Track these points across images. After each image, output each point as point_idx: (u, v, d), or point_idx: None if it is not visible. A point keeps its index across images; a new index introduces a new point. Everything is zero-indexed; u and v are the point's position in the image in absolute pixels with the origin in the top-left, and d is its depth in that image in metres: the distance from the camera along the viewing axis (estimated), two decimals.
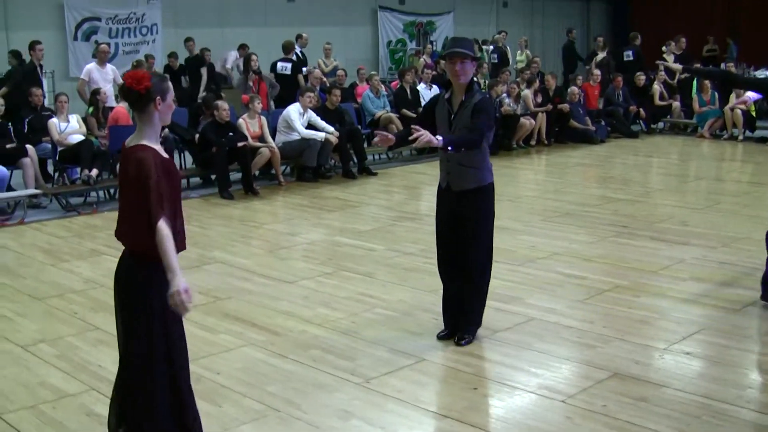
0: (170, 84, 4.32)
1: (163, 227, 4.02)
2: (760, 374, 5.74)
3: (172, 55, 17.45)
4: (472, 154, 5.91)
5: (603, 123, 18.03)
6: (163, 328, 4.36)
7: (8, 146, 11.89)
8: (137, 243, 4.29)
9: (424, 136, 5.50)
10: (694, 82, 18.69)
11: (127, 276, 4.43)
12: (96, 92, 13.45)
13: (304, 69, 16.66)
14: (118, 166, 5.36)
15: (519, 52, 21.11)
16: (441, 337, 6.26)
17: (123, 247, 4.42)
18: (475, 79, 6.32)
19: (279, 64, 16.54)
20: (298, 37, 17.38)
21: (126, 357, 4.47)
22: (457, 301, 6.22)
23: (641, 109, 18.72)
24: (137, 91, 4.12)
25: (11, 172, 11.70)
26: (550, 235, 9.50)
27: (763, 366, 5.88)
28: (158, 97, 4.17)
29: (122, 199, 4.42)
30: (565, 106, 17.33)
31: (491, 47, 20.62)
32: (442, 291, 6.38)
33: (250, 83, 15.57)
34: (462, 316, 6.22)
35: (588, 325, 6.57)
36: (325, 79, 16.14)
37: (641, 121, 19.16)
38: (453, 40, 5.98)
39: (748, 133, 17.57)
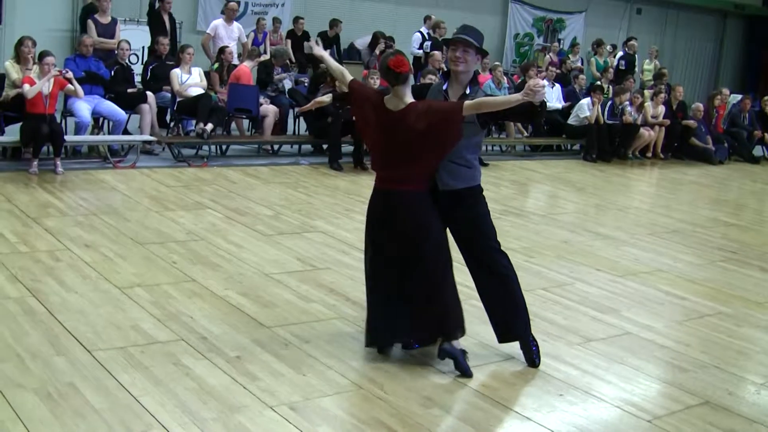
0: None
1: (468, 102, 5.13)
2: None
3: (298, 20, 17.50)
4: (469, 150, 5.48)
5: (725, 144, 17.58)
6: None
7: (129, 90, 12.12)
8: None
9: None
10: None
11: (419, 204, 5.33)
12: (223, 50, 13.60)
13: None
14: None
15: (647, 61, 20.68)
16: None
17: None
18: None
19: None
20: (427, 18, 17.31)
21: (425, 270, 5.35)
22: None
23: (766, 135, 18.20)
24: (403, 71, 5.24)
25: (129, 117, 11.92)
26: (656, 251, 9.28)
27: None
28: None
29: (405, 152, 5.28)
30: (692, 123, 16.94)
31: (621, 53, 20.22)
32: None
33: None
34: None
35: (684, 347, 6.39)
36: (444, 66, 16.05)
37: (765, 147, 18.63)
38: (462, 27, 5.57)
39: None
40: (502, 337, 5.77)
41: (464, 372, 5.40)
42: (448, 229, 5.58)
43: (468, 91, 5.45)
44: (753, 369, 6.18)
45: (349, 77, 5.63)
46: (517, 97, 5.05)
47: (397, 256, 5.39)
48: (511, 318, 5.72)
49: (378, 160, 5.58)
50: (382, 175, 5.46)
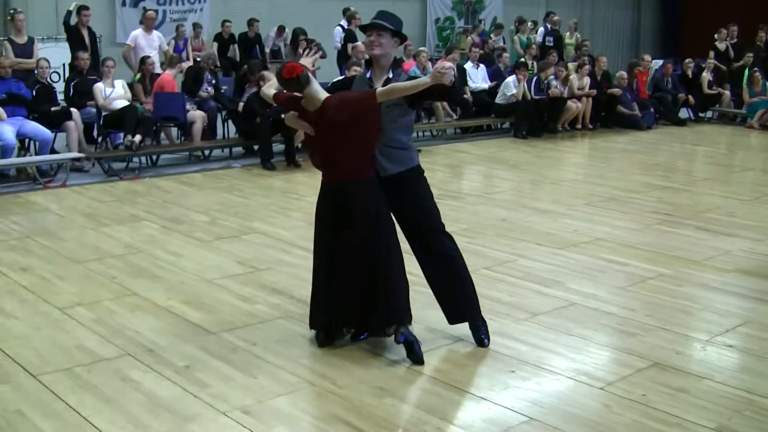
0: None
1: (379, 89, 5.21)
2: None
3: (224, 23, 17.37)
4: (402, 132, 5.53)
5: (651, 109, 17.81)
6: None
7: (53, 109, 11.94)
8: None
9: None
10: (746, 72, 18.42)
11: (366, 195, 5.37)
12: (144, 60, 13.46)
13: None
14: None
15: (568, 34, 20.86)
16: None
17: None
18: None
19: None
20: (345, 10, 17.29)
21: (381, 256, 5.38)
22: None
23: (690, 97, 18.48)
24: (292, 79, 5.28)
25: (55, 135, 11.75)
26: (593, 220, 9.38)
27: None
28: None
29: (338, 146, 5.35)
30: (617, 91, 17.14)
31: (542, 28, 20.38)
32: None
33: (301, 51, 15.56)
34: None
35: (629, 312, 6.47)
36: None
37: (689, 109, 18.92)
38: (377, 13, 5.56)
39: None
40: (452, 318, 5.79)
41: (418, 359, 5.40)
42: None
43: (391, 75, 5.49)
44: (697, 327, 6.28)
45: (272, 92, 5.69)
46: (425, 80, 5.11)
47: (353, 244, 5.41)
48: (459, 299, 5.75)
49: (318, 159, 5.61)
50: (327, 172, 5.49)
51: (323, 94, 5.35)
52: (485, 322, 5.83)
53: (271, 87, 5.73)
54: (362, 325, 5.63)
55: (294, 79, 5.26)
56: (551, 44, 19.60)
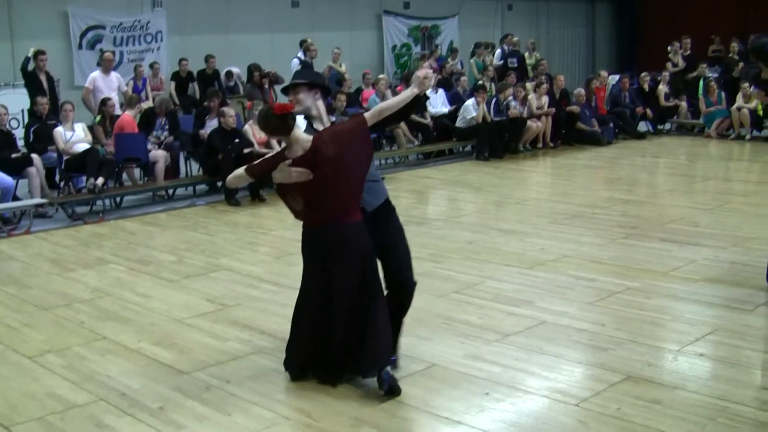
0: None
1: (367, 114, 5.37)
2: None
3: (181, 61, 17.39)
4: (373, 165, 5.58)
5: (611, 125, 17.97)
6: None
7: (14, 156, 11.87)
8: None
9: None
10: (701, 83, 18.65)
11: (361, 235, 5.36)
12: (105, 101, 13.42)
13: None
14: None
15: (527, 54, 21.02)
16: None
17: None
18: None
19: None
20: (302, 42, 17.36)
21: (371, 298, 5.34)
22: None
23: (648, 110, 18.69)
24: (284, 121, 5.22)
25: (17, 182, 11.67)
26: (559, 238, 9.44)
27: None
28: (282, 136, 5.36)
29: (330, 185, 5.27)
30: (575, 108, 17.30)
31: (499, 50, 20.56)
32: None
33: (258, 90, 15.66)
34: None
35: (600, 327, 6.51)
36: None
37: (648, 122, 19.12)
38: (294, 74, 5.77)
39: (755, 133, 17.54)
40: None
41: (396, 392, 5.36)
42: None
43: (335, 119, 5.64)
44: (667, 337, 6.33)
45: (242, 169, 5.52)
46: (413, 91, 5.25)
47: (344, 287, 5.36)
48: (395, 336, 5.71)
49: (312, 205, 5.40)
50: (320, 216, 5.38)
51: (307, 135, 5.30)
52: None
53: (235, 172, 5.55)
54: (345, 368, 5.54)
55: (288, 114, 5.19)
56: (514, 65, 19.76)
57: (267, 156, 5.50)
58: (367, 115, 5.28)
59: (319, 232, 5.41)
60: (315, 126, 5.49)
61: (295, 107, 5.41)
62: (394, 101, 5.33)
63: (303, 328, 5.58)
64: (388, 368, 5.40)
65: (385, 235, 5.57)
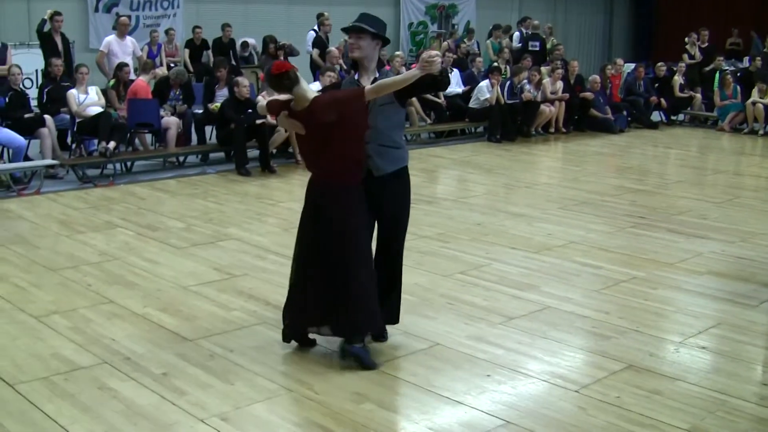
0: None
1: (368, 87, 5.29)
2: None
3: (195, 29, 17.40)
4: (396, 131, 5.62)
5: (624, 113, 17.94)
6: None
7: (26, 116, 11.89)
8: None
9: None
10: (717, 75, 18.59)
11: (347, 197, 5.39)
12: (121, 66, 13.40)
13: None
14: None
15: (544, 38, 20.95)
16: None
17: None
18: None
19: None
20: (319, 15, 17.32)
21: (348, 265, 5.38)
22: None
23: (662, 100, 18.64)
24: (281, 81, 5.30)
25: (29, 142, 11.70)
26: (567, 224, 9.44)
27: None
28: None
29: (323, 146, 5.37)
30: (589, 95, 17.26)
31: (517, 33, 20.51)
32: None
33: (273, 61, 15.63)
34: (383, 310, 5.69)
35: (603, 315, 6.53)
36: (342, 61, 16.05)
37: (662, 112, 19.07)
38: (359, 15, 5.60)
39: None
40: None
41: (370, 367, 5.43)
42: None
43: (377, 75, 5.53)
44: (670, 329, 6.34)
45: (263, 103, 5.79)
46: (414, 73, 5.17)
47: (324, 246, 5.43)
48: (389, 305, 5.80)
49: (306, 159, 5.73)
50: (315, 171, 5.53)
51: (312, 94, 5.38)
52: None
53: (261, 102, 5.79)
54: (324, 325, 5.60)
55: (283, 74, 5.28)
56: (536, 48, 19.72)
57: (280, 98, 5.57)
58: (367, 88, 5.29)
59: (312, 184, 5.56)
60: (362, 76, 5.56)
61: (354, 52, 5.51)
62: (396, 79, 5.30)
63: (292, 277, 5.69)
64: (361, 344, 5.49)
65: (386, 203, 5.61)
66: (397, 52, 17.08)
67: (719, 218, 9.86)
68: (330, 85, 5.93)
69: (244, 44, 17.92)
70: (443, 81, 5.36)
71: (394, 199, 5.64)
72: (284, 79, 5.29)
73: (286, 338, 5.76)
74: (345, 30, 5.68)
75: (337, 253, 5.40)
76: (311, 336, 5.78)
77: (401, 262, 5.85)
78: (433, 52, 5.14)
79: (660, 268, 7.81)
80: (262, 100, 5.77)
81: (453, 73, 16.60)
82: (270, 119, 12.37)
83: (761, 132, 17.27)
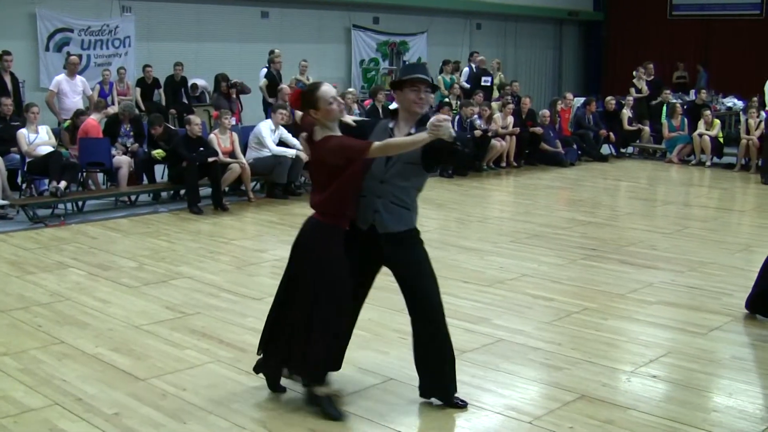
0: (321, 92, 5.17)
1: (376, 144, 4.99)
2: (724, 398, 5.75)
3: (146, 68, 17.41)
4: (410, 192, 5.33)
5: (574, 146, 18.15)
6: None
7: None
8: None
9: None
10: (664, 108, 18.88)
11: (321, 235, 5.30)
12: (79, 113, 13.30)
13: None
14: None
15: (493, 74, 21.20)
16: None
17: None
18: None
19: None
20: (271, 52, 17.39)
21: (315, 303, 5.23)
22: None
23: (611, 134, 18.89)
24: (297, 108, 5.23)
25: None
26: (519, 257, 9.51)
27: (728, 390, 5.90)
28: (311, 110, 5.16)
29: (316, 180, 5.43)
30: (539, 129, 17.45)
31: (467, 68, 20.72)
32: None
33: (225, 99, 15.75)
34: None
35: (556, 347, 6.58)
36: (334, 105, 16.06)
37: (611, 146, 19.33)
38: (412, 66, 5.33)
39: (715, 159, 17.76)
40: (424, 392, 5.53)
41: (333, 417, 5.26)
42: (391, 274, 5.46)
43: (413, 131, 5.19)
44: (622, 358, 6.40)
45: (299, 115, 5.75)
46: (423, 136, 4.86)
47: (293, 277, 5.36)
48: (437, 374, 5.51)
49: (312, 185, 5.67)
50: (310, 201, 5.41)
51: (333, 131, 5.20)
52: (462, 401, 5.52)
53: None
54: (284, 361, 5.48)
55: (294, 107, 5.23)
56: (488, 84, 19.95)
57: (308, 117, 5.32)
58: (375, 144, 4.99)
59: (303, 224, 5.47)
60: (398, 126, 5.29)
61: (423, 107, 5.24)
62: (405, 141, 5.00)
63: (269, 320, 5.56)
64: (325, 389, 5.33)
65: (400, 267, 5.39)
66: (350, 89, 17.18)
67: (669, 248, 9.99)
68: (358, 123, 5.53)
69: (194, 86, 17.94)
70: (461, 152, 5.03)
71: (402, 259, 5.38)
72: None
73: (257, 370, 5.68)
74: (403, 82, 5.21)
75: (304, 292, 5.25)
76: (282, 380, 5.64)
77: (440, 332, 5.49)
78: (441, 116, 4.84)
79: (611, 299, 7.89)
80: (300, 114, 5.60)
81: None
82: (222, 157, 12.44)
83: (708, 163, 17.56)
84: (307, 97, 5.23)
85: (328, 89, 5.19)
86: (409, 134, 5.13)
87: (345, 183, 5.14)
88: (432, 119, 4.84)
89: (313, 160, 5.36)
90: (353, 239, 5.29)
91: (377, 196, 5.23)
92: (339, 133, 5.22)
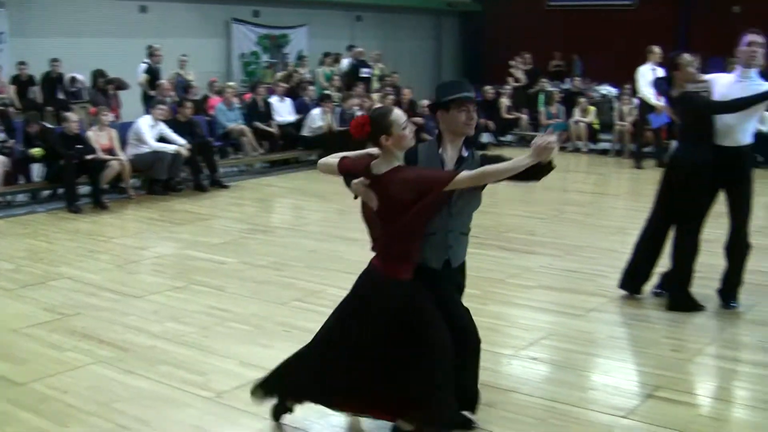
0: (395, 115, 4.57)
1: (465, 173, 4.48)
2: (601, 376, 5.94)
3: (20, 65, 16.98)
4: (471, 216, 5.08)
5: None
6: None
7: None
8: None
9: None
10: (541, 96, 19.26)
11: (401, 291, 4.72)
12: None
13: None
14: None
15: (372, 65, 21.30)
16: None
17: None
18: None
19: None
20: (149, 47, 17.15)
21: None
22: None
23: (490, 122, 19.17)
24: (363, 137, 4.52)
25: None
26: None
27: (604, 368, 6.08)
28: (383, 136, 4.51)
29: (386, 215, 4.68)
30: (419, 120, 17.59)
31: (346, 61, 20.80)
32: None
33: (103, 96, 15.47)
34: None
35: None
36: (173, 93, 15.92)
37: (490, 134, 19.63)
38: (454, 84, 4.96)
39: (591, 145, 18.22)
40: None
41: None
42: None
43: (464, 154, 4.90)
44: (503, 342, 6.53)
45: (334, 161, 4.91)
46: (525, 162, 4.54)
47: (371, 337, 4.81)
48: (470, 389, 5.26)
49: (369, 227, 5.06)
50: (373, 246, 4.95)
51: (397, 161, 4.64)
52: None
53: (328, 159, 4.98)
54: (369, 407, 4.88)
55: (357, 137, 4.60)
56: (369, 75, 20.02)
57: (361, 153, 4.83)
58: (465, 174, 4.52)
59: (366, 269, 4.93)
60: (446, 150, 4.91)
61: (473, 127, 4.90)
62: (505, 167, 4.62)
63: (315, 357, 5.07)
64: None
65: (457, 288, 5.25)
66: (230, 83, 17.04)
67: (546, 233, 10.23)
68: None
69: (73, 80, 17.56)
70: (547, 169, 4.78)
71: (459, 282, 5.27)
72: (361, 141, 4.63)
73: (277, 415, 5.16)
74: (448, 102, 4.84)
75: (397, 344, 4.73)
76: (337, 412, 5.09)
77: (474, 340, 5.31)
78: (551, 138, 4.51)
79: (492, 285, 8.04)
80: (332, 159, 4.91)
81: (285, 101, 16.67)
82: (100, 154, 12.21)
83: (584, 149, 18.00)
84: (378, 121, 4.57)
85: (401, 113, 4.63)
86: (461, 157, 4.85)
87: (415, 220, 4.60)
88: (539, 142, 4.51)
89: (379, 197, 4.65)
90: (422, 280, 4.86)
91: (448, 231, 4.91)
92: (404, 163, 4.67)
